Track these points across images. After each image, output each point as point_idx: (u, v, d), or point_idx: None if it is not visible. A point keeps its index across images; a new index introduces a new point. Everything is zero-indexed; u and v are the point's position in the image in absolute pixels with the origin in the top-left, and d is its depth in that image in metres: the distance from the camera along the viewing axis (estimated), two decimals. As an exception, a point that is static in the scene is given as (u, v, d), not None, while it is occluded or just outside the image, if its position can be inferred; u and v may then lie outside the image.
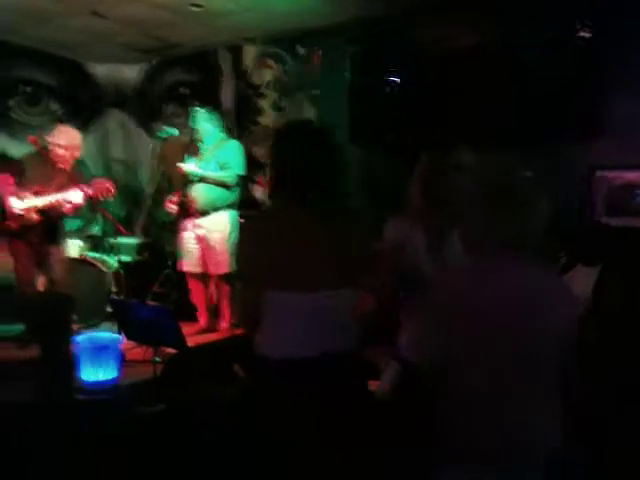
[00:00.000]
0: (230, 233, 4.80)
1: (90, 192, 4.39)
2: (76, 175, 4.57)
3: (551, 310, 1.64)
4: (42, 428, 3.08)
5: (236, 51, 6.22)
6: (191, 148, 4.90)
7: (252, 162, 6.12)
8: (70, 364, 3.86)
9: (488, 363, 1.62)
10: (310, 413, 2.01)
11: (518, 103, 4.31)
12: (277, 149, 2.16)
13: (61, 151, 4.45)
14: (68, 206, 4.40)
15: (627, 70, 4.04)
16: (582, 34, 4.15)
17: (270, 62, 6.00)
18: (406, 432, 2.13)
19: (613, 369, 3.21)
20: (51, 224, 4.54)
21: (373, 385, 2.59)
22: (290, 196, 2.08)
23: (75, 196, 4.34)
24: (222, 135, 4.97)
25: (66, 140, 4.48)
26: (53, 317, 4.07)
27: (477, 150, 2.40)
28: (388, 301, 2.40)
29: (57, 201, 4.37)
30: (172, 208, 4.92)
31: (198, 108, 4.97)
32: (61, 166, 4.48)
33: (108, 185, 4.43)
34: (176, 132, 5.18)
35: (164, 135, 5.21)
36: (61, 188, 4.40)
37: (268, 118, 6.06)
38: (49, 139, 4.48)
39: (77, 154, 4.56)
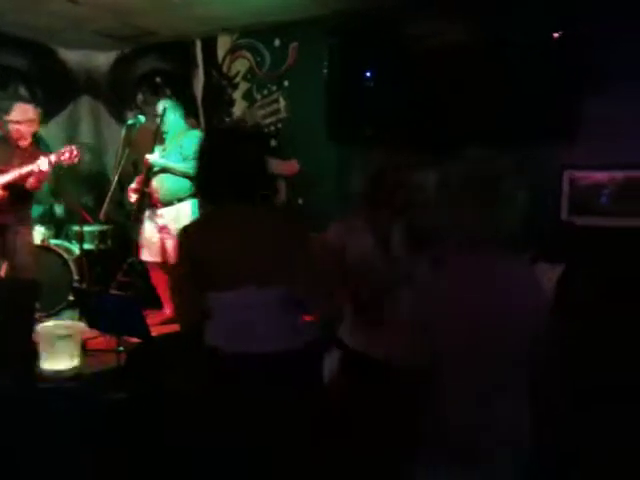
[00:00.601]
0: None
1: (54, 159, 4.36)
2: (36, 151, 4.55)
3: (529, 305, 1.65)
4: (3, 416, 3.03)
5: (211, 41, 6.17)
6: (158, 137, 4.87)
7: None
8: (32, 352, 3.81)
9: (470, 360, 1.61)
10: (261, 406, 2.01)
11: (490, 102, 4.34)
12: (206, 151, 2.19)
13: (18, 126, 4.50)
14: (32, 180, 4.38)
15: (598, 71, 4.08)
16: (555, 35, 4.19)
17: (245, 53, 5.97)
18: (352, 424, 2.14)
19: (576, 367, 3.25)
20: (17, 204, 4.48)
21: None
22: (222, 197, 2.12)
23: (41, 164, 4.32)
24: (184, 125, 4.98)
25: (22, 115, 4.52)
26: (17, 303, 4.00)
27: (447, 147, 2.40)
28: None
29: (20, 175, 4.36)
30: (132, 197, 4.89)
31: (165, 98, 4.94)
32: (21, 144, 4.51)
33: (72, 148, 4.41)
34: (144, 120, 5.15)
35: (133, 123, 5.18)
36: (22, 165, 4.39)
37: (240, 109, 6.02)
38: (6, 118, 4.48)
39: (34, 128, 4.61)
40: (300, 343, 2.11)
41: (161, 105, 4.87)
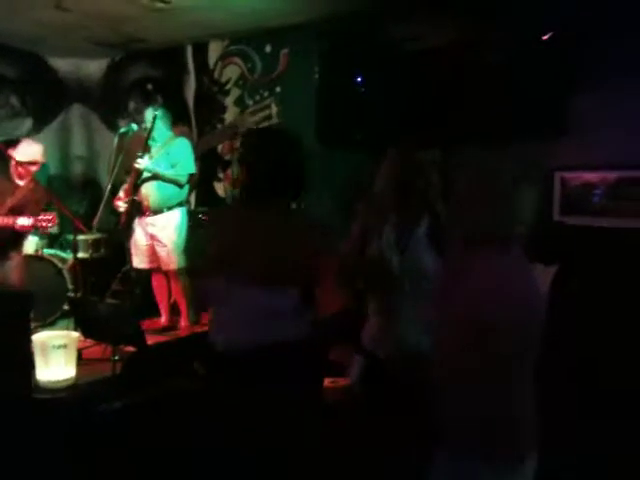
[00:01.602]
0: (180, 231, 4.84)
1: (32, 222, 4.23)
2: (35, 192, 4.43)
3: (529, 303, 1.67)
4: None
5: (202, 48, 6.18)
6: (146, 145, 4.86)
7: (216, 159, 6.10)
8: (29, 362, 3.79)
9: (475, 358, 1.61)
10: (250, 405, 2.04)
11: (481, 103, 4.34)
12: (253, 151, 2.22)
13: (20, 166, 4.34)
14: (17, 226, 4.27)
15: (588, 71, 4.09)
16: (545, 34, 4.20)
17: (236, 59, 5.97)
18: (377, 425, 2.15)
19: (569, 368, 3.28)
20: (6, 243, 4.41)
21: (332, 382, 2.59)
22: (257, 197, 2.16)
23: (20, 222, 4.22)
24: (170, 133, 4.97)
25: (25, 157, 4.36)
26: (11, 314, 3.98)
27: (441, 148, 2.43)
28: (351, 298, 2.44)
29: (5, 223, 4.23)
30: (120, 206, 4.85)
31: (154, 105, 4.94)
32: (20, 182, 4.36)
33: (50, 216, 4.28)
34: (136, 127, 5.14)
35: (125, 130, 5.17)
36: (16, 206, 4.27)
37: (232, 116, 6.03)
38: (11, 154, 4.35)
39: (36, 168, 4.43)
40: (291, 342, 2.12)
41: (150, 113, 4.85)
